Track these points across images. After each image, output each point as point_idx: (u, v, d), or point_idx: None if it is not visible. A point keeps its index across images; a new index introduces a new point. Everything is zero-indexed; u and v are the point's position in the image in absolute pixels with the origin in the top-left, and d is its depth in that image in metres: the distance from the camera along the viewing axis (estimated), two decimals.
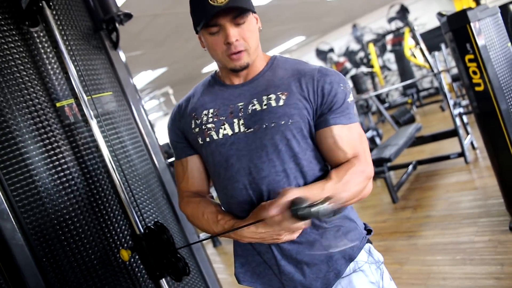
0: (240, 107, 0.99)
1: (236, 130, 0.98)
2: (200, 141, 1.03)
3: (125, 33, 4.64)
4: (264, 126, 0.95)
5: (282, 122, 0.94)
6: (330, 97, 0.95)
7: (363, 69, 8.77)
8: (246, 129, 0.97)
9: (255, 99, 0.98)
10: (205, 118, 1.02)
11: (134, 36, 4.93)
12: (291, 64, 1.03)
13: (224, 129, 0.99)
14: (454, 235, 2.74)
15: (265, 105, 0.96)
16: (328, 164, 1.04)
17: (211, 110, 1.03)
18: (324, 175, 1.00)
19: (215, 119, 1.01)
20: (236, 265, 1.11)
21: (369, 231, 1.09)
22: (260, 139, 0.96)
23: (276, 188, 0.95)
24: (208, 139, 1.01)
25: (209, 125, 1.01)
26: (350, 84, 7.23)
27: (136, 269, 1.46)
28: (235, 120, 0.98)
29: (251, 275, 1.08)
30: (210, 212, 1.02)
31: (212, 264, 1.80)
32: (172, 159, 3.38)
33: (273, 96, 0.97)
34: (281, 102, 0.95)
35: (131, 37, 4.96)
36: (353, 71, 8.35)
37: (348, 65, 9.39)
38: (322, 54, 9.63)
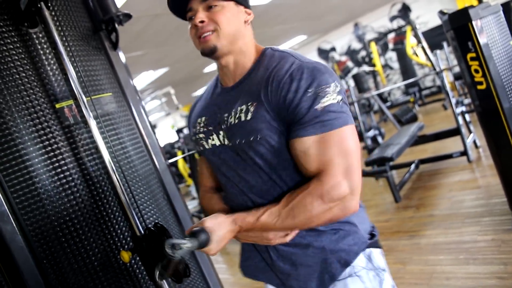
0: (225, 118, 0.98)
1: (222, 141, 1.00)
2: (198, 147, 1.10)
3: (126, 33, 4.66)
4: (237, 142, 0.94)
5: (251, 139, 0.91)
6: (292, 107, 0.86)
7: (365, 68, 8.76)
8: (229, 142, 0.97)
9: (233, 110, 0.96)
10: (198, 127, 1.07)
11: (135, 36, 4.93)
12: (274, 61, 0.95)
13: (213, 139, 1.02)
14: (457, 235, 2.73)
15: (237, 118, 0.94)
16: None
17: (203, 119, 1.06)
18: None
19: (205, 129, 1.04)
20: (241, 258, 1.14)
21: (372, 236, 1.04)
22: (241, 152, 0.96)
23: (266, 196, 0.96)
24: (201, 148, 1.07)
25: (201, 135, 1.05)
26: (352, 83, 7.21)
27: (137, 271, 1.46)
28: (221, 132, 0.99)
29: (253, 269, 1.10)
30: (218, 210, 1.06)
31: (213, 264, 1.79)
32: (173, 159, 3.39)
33: (244, 108, 0.93)
34: (249, 116, 0.91)
35: (132, 37, 4.96)
36: (355, 70, 8.33)
37: (350, 64, 9.37)
38: (324, 53, 9.62)
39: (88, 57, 1.51)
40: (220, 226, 0.90)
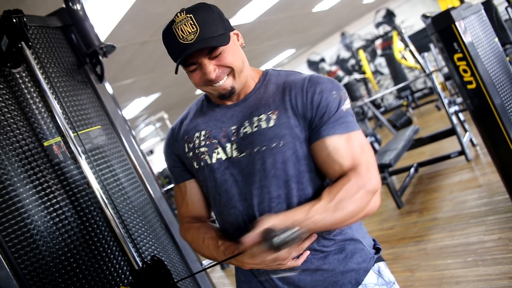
0: (233, 130, 0.95)
1: (230, 154, 0.95)
2: (195, 165, 1.00)
3: (114, 63, 4.69)
4: (255, 150, 0.91)
5: (273, 145, 0.90)
6: (321, 108, 0.90)
7: (356, 76, 8.82)
8: (238, 154, 0.93)
9: (247, 121, 0.94)
10: (197, 141, 0.99)
11: (124, 65, 4.96)
12: (282, 77, 0.99)
13: (218, 153, 0.96)
14: (463, 236, 2.69)
15: (255, 127, 0.92)
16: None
17: (202, 132, 0.99)
18: None
19: (207, 142, 0.97)
20: None
21: (377, 250, 1.02)
22: (253, 164, 0.92)
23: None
24: (202, 164, 0.98)
25: (202, 149, 0.98)
26: None
27: None
28: (228, 145, 0.95)
29: None
30: (210, 237, 0.98)
31: (210, 279, 1.75)
32: (169, 186, 3.32)
33: (263, 117, 0.92)
34: (271, 123, 0.91)
35: (121, 66, 4.99)
36: (346, 79, 8.39)
37: (340, 73, 9.44)
38: (313, 65, 9.68)
39: (74, 91, 1.51)
40: (284, 224, 0.79)
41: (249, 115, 0.95)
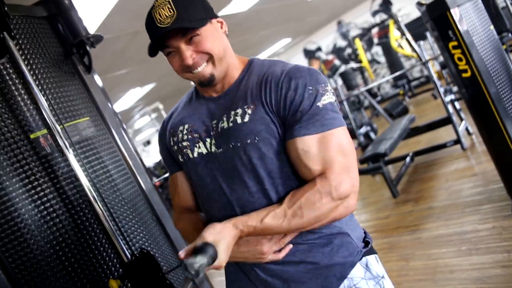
0: (214, 125, 0.94)
1: (209, 149, 0.94)
2: (180, 158, 1.00)
3: (108, 53, 4.63)
4: (231, 146, 0.89)
5: (248, 141, 0.87)
6: (294, 105, 0.86)
7: (353, 64, 8.76)
8: (217, 149, 0.92)
9: (225, 115, 0.92)
10: (180, 135, 0.99)
11: (117, 55, 4.91)
12: (265, 68, 0.95)
13: (199, 147, 0.95)
14: (457, 225, 2.69)
15: (231, 122, 0.90)
16: None
17: (186, 126, 0.99)
18: None
19: (189, 136, 0.97)
20: (226, 282, 1.06)
21: (366, 243, 1.00)
22: (231, 159, 0.90)
23: (250, 210, 0.89)
24: (185, 157, 0.98)
25: (184, 143, 0.97)
26: (340, 81, 7.21)
27: None
28: (208, 139, 0.94)
29: None
30: (199, 229, 0.94)
31: (211, 283, 1.75)
32: (161, 177, 3.32)
33: (239, 111, 0.90)
34: (246, 118, 0.88)
35: (115, 57, 4.93)
36: (343, 68, 8.34)
37: (337, 62, 9.38)
38: (310, 54, 9.62)
39: (60, 83, 1.48)
40: (222, 235, 0.82)
41: (227, 109, 0.93)
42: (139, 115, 8.81)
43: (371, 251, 1.00)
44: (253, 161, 0.88)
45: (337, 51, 9.65)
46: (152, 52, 0.90)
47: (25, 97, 1.37)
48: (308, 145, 0.85)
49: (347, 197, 0.84)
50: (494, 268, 2.07)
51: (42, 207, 1.34)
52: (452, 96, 4.35)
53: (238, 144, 0.88)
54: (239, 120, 0.89)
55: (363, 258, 0.96)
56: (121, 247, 1.24)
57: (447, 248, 2.48)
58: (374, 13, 7.95)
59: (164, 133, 1.07)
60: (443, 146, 4.13)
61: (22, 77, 1.26)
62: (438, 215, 2.98)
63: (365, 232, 1.04)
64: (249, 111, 0.89)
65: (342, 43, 9.73)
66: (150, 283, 1.12)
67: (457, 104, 4.44)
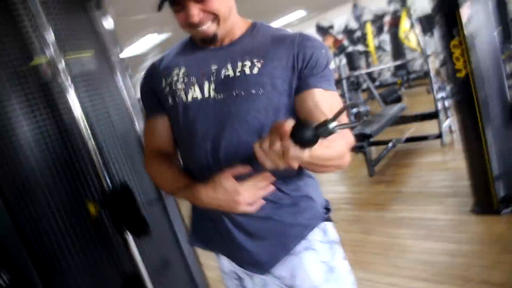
0: (213, 70, 0.90)
1: (206, 94, 0.89)
2: (170, 101, 0.94)
3: None
4: (234, 94, 0.86)
5: (253, 92, 0.85)
6: (312, 61, 0.86)
7: (360, 47, 8.53)
8: (216, 95, 0.88)
9: (229, 64, 0.88)
10: (175, 78, 0.93)
11: None
12: (272, 31, 0.93)
13: (194, 90, 0.90)
14: (421, 211, 2.73)
15: (239, 71, 0.87)
16: None
17: (182, 69, 0.93)
18: None
19: (185, 79, 0.92)
20: (192, 228, 1.06)
21: (327, 210, 1.01)
22: (228, 106, 0.87)
23: (234, 160, 0.86)
24: (177, 100, 0.93)
25: (179, 86, 0.92)
26: (344, 60, 7.05)
27: (106, 223, 1.42)
28: (206, 84, 0.89)
29: (204, 238, 1.03)
30: (172, 172, 0.95)
31: (183, 218, 1.75)
32: None
33: (248, 63, 0.87)
34: (255, 70, 0.86)
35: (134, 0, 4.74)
36: (350, 48, 8.12)
37: (346, 42, 9.11)
38: (322, 30, 9.32)
39: (67, 15, 1.40)
40: None
41: (233, 58, 0.89)
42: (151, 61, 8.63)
43: (329, 219, 1.00)
44: (252, 111, 0.86)
45: (348, 32, 9.36)
46: (160, 6, 0.84)
47: (31, 23, 1.31)
48: (324, 97, 0.87)
49: (351, 147, 0.87)
50: (442, 255, 2.11)
51: (38, 131, 1.32)
52: (444, 94, 4.27)
53: (242, 93, 0.86)
54: (247, 71, 0.86)
55: (322, 224, 0.97)
56: (104, 176, 1.24)
57: (406, 230, 2.53)
58: (390, 1, 7.64)
59: (154, 74, 1.00)
60: (425, 138, 4.11)
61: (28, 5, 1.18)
62: (405, 199, 3.01)
63: (327, 201, 1.04)
64: (259, 65, 0.86)
65: (354, 25, 9.41)
66: (125, 214, 1.13)
67: (446, 102, 4.37)
